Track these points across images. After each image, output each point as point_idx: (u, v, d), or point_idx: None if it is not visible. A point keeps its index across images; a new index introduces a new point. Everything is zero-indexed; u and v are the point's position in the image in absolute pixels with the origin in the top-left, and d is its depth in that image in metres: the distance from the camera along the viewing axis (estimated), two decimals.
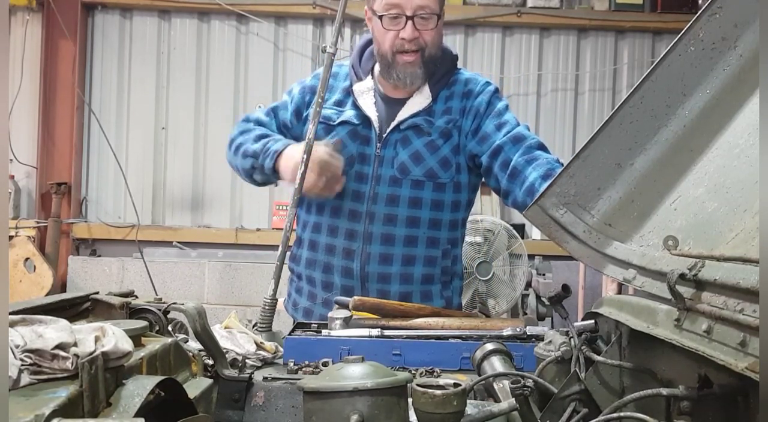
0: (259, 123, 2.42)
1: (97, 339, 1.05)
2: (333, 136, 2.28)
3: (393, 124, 2.28)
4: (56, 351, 1.00)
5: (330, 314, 1.89)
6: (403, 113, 2.29)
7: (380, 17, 2.20)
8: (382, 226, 2.27)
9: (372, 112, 2.30)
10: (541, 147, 2.20)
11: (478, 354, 1.46)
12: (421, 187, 2.27)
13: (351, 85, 2.35)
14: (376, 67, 2.35)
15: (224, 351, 1.60)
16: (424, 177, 2.27)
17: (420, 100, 2.29)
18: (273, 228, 5.82)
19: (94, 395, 1.00)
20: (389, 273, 2.28)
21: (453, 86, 2.33)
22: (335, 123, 2.30)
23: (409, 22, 2.18)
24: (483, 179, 2.38)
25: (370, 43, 2.38)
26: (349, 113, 2.31)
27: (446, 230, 2.32)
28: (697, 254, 1.23)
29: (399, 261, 2.28)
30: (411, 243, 2.28)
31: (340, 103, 2.34)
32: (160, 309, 1.50)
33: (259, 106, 2.51)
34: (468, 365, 1.59)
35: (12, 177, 5.72)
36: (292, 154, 2.18)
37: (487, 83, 2.35)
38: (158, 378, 1.12)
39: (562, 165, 2.06)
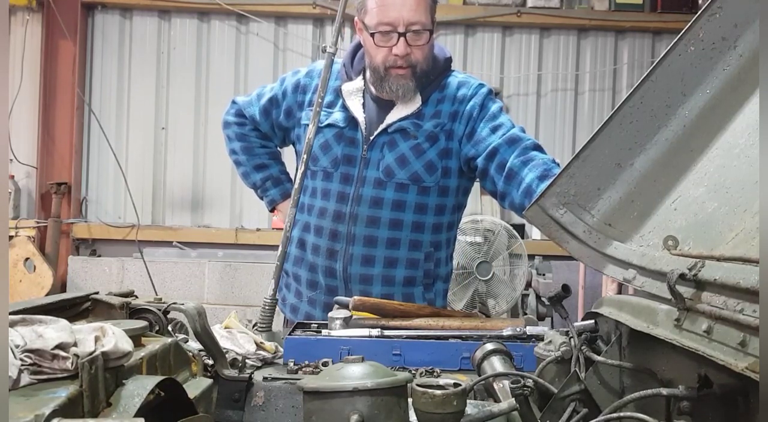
0: (253, 121, 2.50)
1: (97, 339, 1.05)
2: (320, 137, 2.30)
3: (381, 127, 2.29)
4: (56, 351, 1.00)
5: (330, 314, 1.89)
6: (392, 116, 2.29)
7: (372, 34, 2.20)
8: (365, 228, 2.28)
9: (359, 114, 2.30)
10: (537, 148, 2.20)
11: (478, 354, 1.46)
12: (405, 190, 2.28)
13: (340, 85, 2.35)
14: (369, 74, 2.34)
15: (224, 351, 1.60)
16: (408, 180, 2.27)
17: (410, 103, 2.29)
18: (273, 229, 5.82)
19: (94, 395, 1.00)
20: (371, 274, 2.29)
21: (445, 90, 2.32)
22: (323, 125, 2.31)
23: (401, 39, 2.17)
24: (479, 182, 2.38)
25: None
26: (336, 115, 2.32)
27: (429, 233, 2.32)
28: (697, 254, 1.23)
29: (381, 263, 2.29)
30: (393, 246, 2.29)
31: (330, 105, 2.34)
32: (160, 309, 1.50)
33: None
34: (468, 365, 1.59)
35: (12, 177, 5.71)
36: (285, 209, 2.33)
37: (480, 85, 2.34)
38: (158, 378, 1.13)
39: (558, 165, 2.07)
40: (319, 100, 2.21)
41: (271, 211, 2.66)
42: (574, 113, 6.13)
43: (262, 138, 2.53)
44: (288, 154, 2.63)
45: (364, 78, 2.35)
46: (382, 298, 2.20)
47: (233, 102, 2.57)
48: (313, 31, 6.05)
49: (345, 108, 2.32)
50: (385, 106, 2.31)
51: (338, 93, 2.34)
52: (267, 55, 6.07)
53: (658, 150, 1.53)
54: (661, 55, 1.50)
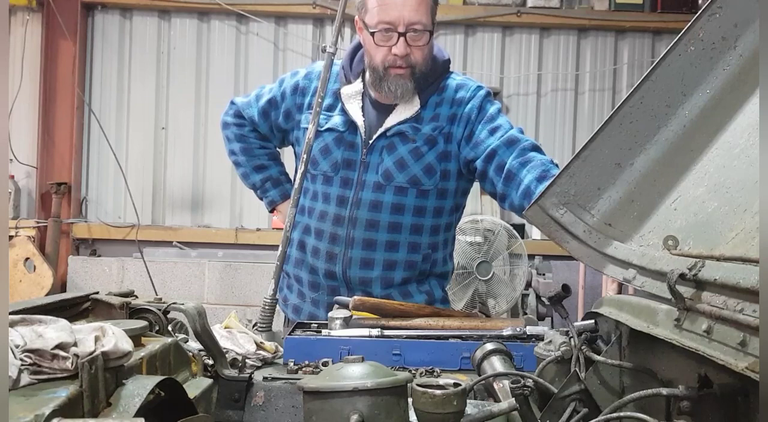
0: (252, 122, 2.50)
1: (97, 339, 1.05)
2: (320, 141, 2.31)
3: (380, 131, 2.29)
4: (56, 351, 1.00)
5: (330, 314, 1.89)
6: (391, 120, 2.29)
7: (372, 33, 2.19)
8: (364, 232, 2.28)
9: (359, 118, 2.30)
10: (535, 148, 2.20)
11: (478, 354, 1.46)
12: (405, 193, 2.28)
13: (339, 89, 2.35)
14: (368, 74, 2.34)
15: (224, 351, 1.60)
16: (407, 183, 2.27)
17: (409, 106, 2.29)
18: (273, 229, 5.82)
19: (94, 395, 1.00)
20: (370, 277, 2.30)
21: (443, 92, 2.32)
22: (322, 129, 2.31)
23: (401, 39, 2.17)
24: (478, 184, 2.38)
25: (362, 45, 2.37)
26: (336, 119, 2.32)
27: (427, 235, 2.33)
28: (697, 254, 1.23)
29: (380, 266, 2.29)
30: (392, 249, 2.29)
31: (329, 108, 2.34)
32: (160, 309, 1.50)
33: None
34: (468, 365, 1.59)
35: (12, 177, 5.71)
36: (284, 210, 2.34)
37: (478, 88, 2.34)
38: (158, 378, 1.13)
39: (557, 166, 2.07)
40: (319, 100, 2.21)
41: (271, 211, 2.66)
42: (574, 113, 6.12)
43: (261, 139, 2.53)
44: (287, 155, 2.63)
45: (363, 81, 2.35)
46: (381, 298, 2.21)
47: (232, 102, 2.57)
48: (313, 31, 6.05)
49: (344, 112, 2.32)
50: (384, 109, 2.31)
51: (337, 96, 2.34)
52: (267, 55, 6.07)
53: (658, 150, 1.53)
54: (661, 55, 1.50)
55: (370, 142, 2.29)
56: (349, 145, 2.30)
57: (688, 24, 1.48)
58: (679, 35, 1.48)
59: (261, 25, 5.99)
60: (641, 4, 5.95)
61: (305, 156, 2.21)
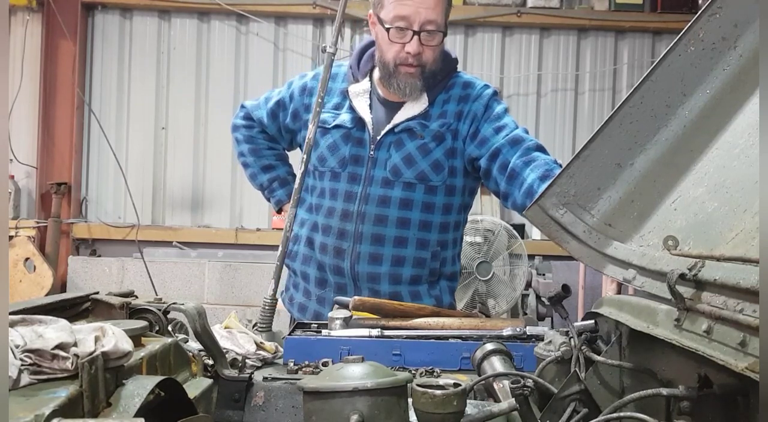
0: (261, 123, 2.54)
1: (97, 339, 1.05)
2: (328, 138, 2.32)
3: (388, 127, 2.30)
4: (56, 351, 1.00)
5: (330, 314, 1.89)
6: (399, 117, 2.31)
7: (387, 29, 2.21)
8: (372, 226, 2.29)
9: (366, 115, 2.32)
10: (540, 149, 2.21)
11: (478, 354, 1.46)
12: (413, 189, 2.29)
13: (347, 87, 2.37)
14: (376, 71, 2.37)
15: (224, 351, 1.60)
16: (415, 179, 2.28)
17: (417, 103, 2.31)
18: (273, 229, 5.81)
19: (94, 395, 1.00)
20: (378, 273, 2.30)
21: (451, 90, 2.34)
22: (330, 126, 2.33)
23: (415, 37, 2.19)
24: (483, 182, 2.39)
25: (370, 45, 2.39)
26: (344, 116, 2.34)
27: (436, 232, 2.33)
28: (697, 254, 1.23)
29: (388, 262, 2.30)
30: (400, 244, 2.30)
31: (337, 106, 2.36)
32: (160, 309, 1.50)
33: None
34: (468, 365, 1.59)
35: (12, 177, 5.71)
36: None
37: (486, 87, 2.37)
38: (158, 378, 1.13)
39: (561, 166, 2.07)
40: (319, 100, 2.23)
41: (278, 211, 2.66)
42: (574, 113, 6.12)
43: (269, 140, 2.57)
44: (295, 156, 2.63)
45: (371, 79, 2.38)
46: (389, 297, 2.22)
47: (242, 106, 2.62)
48: (313, 31, 6.05)
49: (352, 109, 2.34)
50: (391, 106, 2.33)
51: (345, 94, 2.36)
52: (267, 55, 6.07)
53: (658, 150, 1.53)
54: (661, 55, 1.50)
55: (378, 138, 2.30)
56: (357, 141, 2.32)
57: (688, 24, 1.48)
58: (679, 35, 1.49)
59: (261, 25, 5.99)
60: (641, 4, 5.95)
61: (305, 156, 2.23)
